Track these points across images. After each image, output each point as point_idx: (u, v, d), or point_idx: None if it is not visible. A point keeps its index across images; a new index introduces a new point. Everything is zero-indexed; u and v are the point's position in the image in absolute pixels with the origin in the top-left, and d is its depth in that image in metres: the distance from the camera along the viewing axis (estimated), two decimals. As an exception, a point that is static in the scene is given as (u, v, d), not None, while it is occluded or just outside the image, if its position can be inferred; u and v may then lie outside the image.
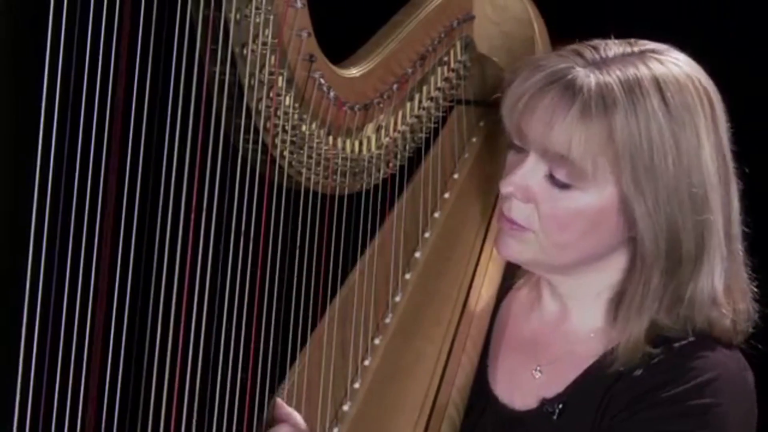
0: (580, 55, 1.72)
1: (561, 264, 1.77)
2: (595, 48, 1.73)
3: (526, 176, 1.73)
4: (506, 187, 1.75)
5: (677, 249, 1.71)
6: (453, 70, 2.08)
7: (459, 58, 2.09)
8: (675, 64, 1.73)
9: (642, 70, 1.70)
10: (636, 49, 1.74)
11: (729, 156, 1.76)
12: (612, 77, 1.69)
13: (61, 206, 1.59)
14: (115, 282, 1.66)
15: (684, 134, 1.70)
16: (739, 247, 1.78)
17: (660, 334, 1.74)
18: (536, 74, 1.72)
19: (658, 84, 1.70)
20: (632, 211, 1.70)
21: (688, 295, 1.73)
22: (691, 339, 1.74)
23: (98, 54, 1.59)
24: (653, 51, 1.74)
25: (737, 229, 1.77)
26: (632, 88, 1.69)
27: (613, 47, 1.73)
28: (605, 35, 1.79)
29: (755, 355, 1.82)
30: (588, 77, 1.69)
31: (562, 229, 1.73)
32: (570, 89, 1.69)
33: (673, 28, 2.68)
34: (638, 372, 1.74)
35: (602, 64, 1.70)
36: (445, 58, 2.07)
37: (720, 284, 1.75)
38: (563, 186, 1.72)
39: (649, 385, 1.72)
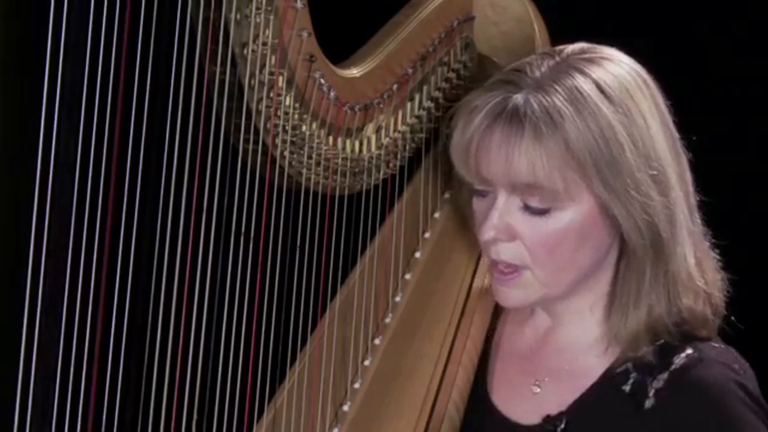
0: (510, 83, 1.72)
1: (565, 287, 1.76)
2: (521, 71, 1.73)
3: (503, 216, 1.72)
4: (488, 233, 1.73)
5: (657, 235, 1.72)
6: (453, 71, 2.08)
7: (459, 58, 2.09)
8: (601, 57, 1.74)
9: (575, 75, 1.71)
10: (559, 58, 1.74)
11: (673, 128, 1.77)
12: (550, 92, 1.69)
13: (61, 207, 1.59)
14: (115, 283, 1.66)
15: (632, 121, 1.71)
16: (697, 216, 1.78)
17: (657, 336, 1.74)
18: (476, 116, 1.71)
19: (594, 82, 1.71)
20: (612, 212, 1.71)
21: (671, 277, 1.73)
22: (683, 357, 1.73)
23: (98, 54, 1.59)
24: (575, 53, 1.75)
25: (694, 199, 1.78)
26: (573, 95, 1.69)
27: (538, 64, 1.73)
28: (605, 35, 1.79)
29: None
30: (528, 100, 1.69)
31: (553, 252, 1.72)
32: (516, 117, 1.69)
33: (673, 28, 2.70)
34: (648, 403, 1.73)
35: (535, 84, 1.70)
36: (446, 59, 2.07)
37: (692, 258, 1.75)
38: (542, 212, 1.71)
39: (667, 425, 1.72)
